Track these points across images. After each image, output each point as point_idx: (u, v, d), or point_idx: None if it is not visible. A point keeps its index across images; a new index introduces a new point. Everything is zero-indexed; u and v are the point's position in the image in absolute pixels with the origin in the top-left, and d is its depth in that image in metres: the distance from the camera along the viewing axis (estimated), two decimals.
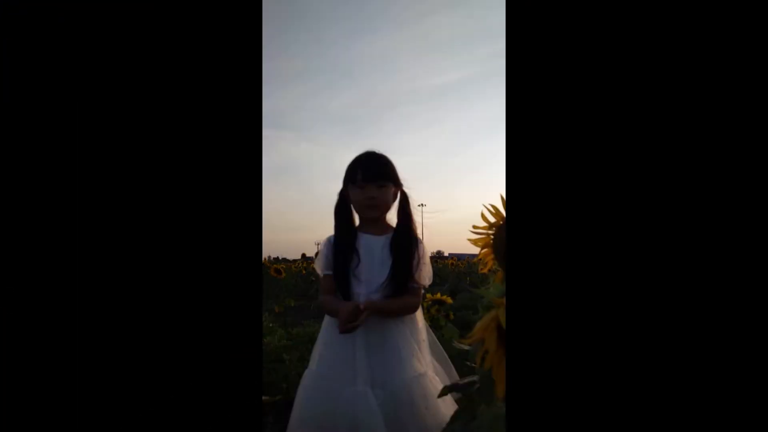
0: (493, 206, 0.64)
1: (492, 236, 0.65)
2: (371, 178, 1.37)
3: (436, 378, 1.33)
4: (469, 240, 0.68)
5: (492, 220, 0.65)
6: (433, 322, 2.80)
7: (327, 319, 1.42)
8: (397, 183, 1.43)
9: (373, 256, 1.37)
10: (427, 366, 1.35)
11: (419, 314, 1.41)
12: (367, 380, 1.27)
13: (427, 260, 1.41)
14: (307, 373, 1.39)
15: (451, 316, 3.00)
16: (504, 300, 0.52)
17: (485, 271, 0.67)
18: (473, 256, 0.78)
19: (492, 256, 0.66)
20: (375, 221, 1.42)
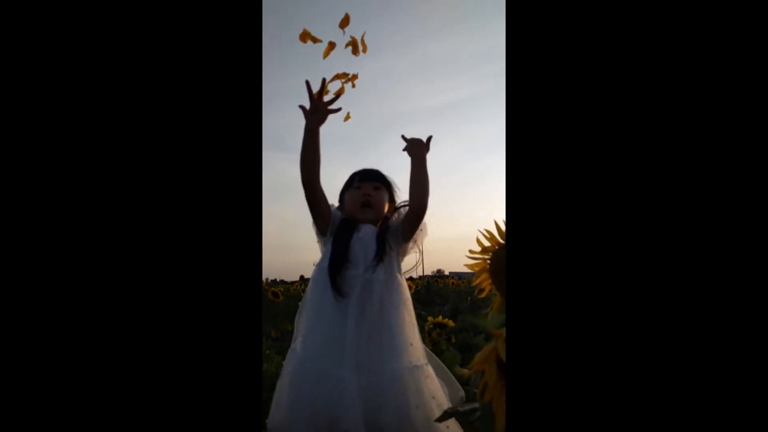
0: (487, 231, 0.64)
1: (488, 261, 0.65)
2: (367, 179, 1.39)
3: (433, 374, 1.27)
4: (467, 265, 0.68)
5: (487, 244, 0.65)
6: (434, 347, 2.72)
7: (309, 294, 1.34)
8: (391, 195, 1.43)
9: (368, 240, 1.33)
10: (421, 356, 1.27)
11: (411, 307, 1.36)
12: (355, 366, 1.18)
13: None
14: (290, 356, 1.30)
15: (453, 340, 2.93)
16: (503, 331, 0.52)
17: (483, 296, 0.67)
18: (472, 274, 0.78)
19: (489, 280, 0.66)
20: (372, 224, 1.39)
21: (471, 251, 0.66)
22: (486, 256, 0.65)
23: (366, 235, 1.33)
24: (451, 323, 2.85)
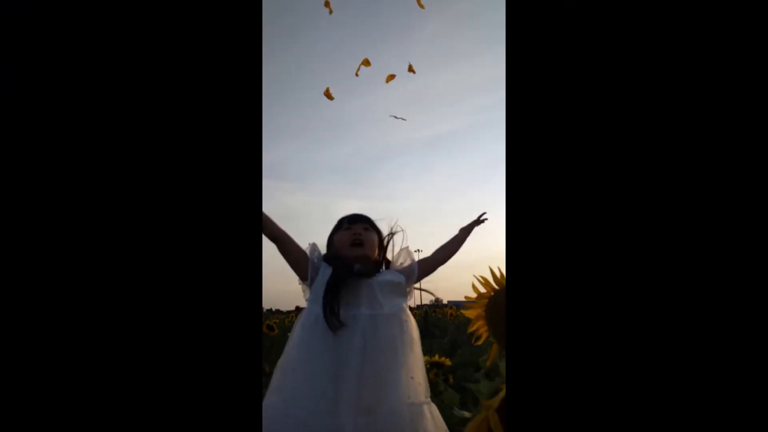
0: (482, 277, 0.64)
1: (484, 307, 0.65)
2: (357, 221, 1.39)
3: (435, 414, 1.19)
4: (463, 311, 0.68)
5: (483, 290, 0.64)
6: (432, 388, 2.61)
7: (295, 339, 1.25)
8: (380, 238, 1.41)
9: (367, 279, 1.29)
10: (423, 393, 1.21)
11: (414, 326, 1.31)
12: (352, 407, 1.10)
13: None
14: (269, 407, 1.14)
15: (451, 380, 2.82)
16: (493, 402, 0.51)
17: (479, 343, 0.66)
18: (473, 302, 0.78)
19: (486, 327, 0.65)
20: (363, 262, 1.35)
21: (467, 297, 0.66)
22: (482, 302, 0.65)
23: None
24: (448, 362, 2.71)
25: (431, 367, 2.70)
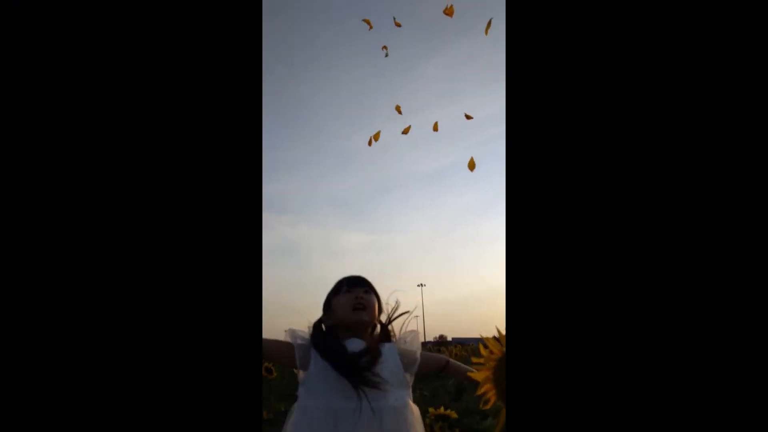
0: (490, 340, 0.63)
1: (492, 369, 0.64)
2: (357, 284, 1.33)
3: None
4: (470, 374, 0.67)
5: (490, 352, 0.64)
6: None
7: (296, 419, 1.19)
8: (379, 302, 1.35)
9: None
10: None
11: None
12: None
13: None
14: None
15: None
16: None
17: (488, 407, 0.65)
18: (476, 340, 0.76)
19: (494, 390, 0.64)
20: (363, 332, 1.30)
21: (474, 359, 0.65)
22: (490, 364, 0.64)
23: (357, 346, 1.23)
24: (453, 414, 2.57)
25: (436, 420, 2.57)
